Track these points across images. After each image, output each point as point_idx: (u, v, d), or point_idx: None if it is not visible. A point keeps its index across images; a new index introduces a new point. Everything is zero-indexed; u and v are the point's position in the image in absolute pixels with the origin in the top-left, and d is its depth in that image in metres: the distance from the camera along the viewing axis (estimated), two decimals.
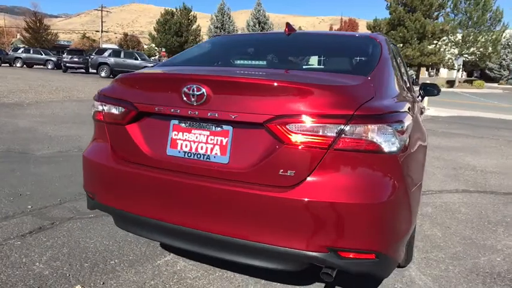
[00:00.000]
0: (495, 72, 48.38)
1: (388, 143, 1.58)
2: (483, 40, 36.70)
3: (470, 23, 37.46)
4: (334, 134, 1.56)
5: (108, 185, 2.01)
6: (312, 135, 1.58)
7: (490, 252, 2.73)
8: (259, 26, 52.23)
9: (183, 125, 1.82)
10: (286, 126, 1.59)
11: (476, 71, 51.25)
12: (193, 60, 2.65)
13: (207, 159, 1.76)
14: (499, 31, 36.63)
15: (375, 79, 1.89)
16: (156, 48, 52.98)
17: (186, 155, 1.80)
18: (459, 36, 37.99)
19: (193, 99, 1.72)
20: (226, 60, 2.71)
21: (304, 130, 1.58)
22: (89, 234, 2.69)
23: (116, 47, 52.69)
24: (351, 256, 1.60)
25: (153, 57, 46.50)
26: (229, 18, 50.41)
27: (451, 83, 39.67)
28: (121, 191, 1.95)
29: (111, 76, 22.70)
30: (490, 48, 36.86)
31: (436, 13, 37.64)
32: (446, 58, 37.89)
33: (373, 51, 2.32)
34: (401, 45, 36.52)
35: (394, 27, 37.37)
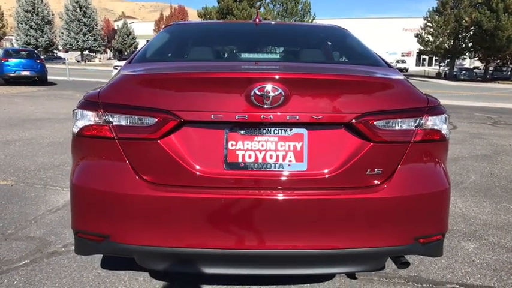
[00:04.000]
0: None
1: (447, 131, 1.71)
2: None
3: (286, 13, 42.44)
4: (414, 127, 1.59)
5: (137, 219, 1.53)
6: (397, 130, 1.57)
7: None
8: (80, 11, 46.63)
9: (242, 132, 1.53)
10: (374, 123, 1.53)
11: None
12: (182, 54, 2.21)
13: (281, 169, 1.54)
14: (307, 21, 42.78)
15: (394, 68, 1.99)
16: None
17: (251, 167, 1.53)
18: None
19: (267, 102, 1.46)
20: (226, 54, 2.36)
21: (390, 126, 1.56)
22: None
23: None
24: (428, 241, 1.69)
25: None
26: (41, 0, 43.17)
27: None
28: (159, 224, 1.52)
29: None
30: None
31: (258, 3, 41.31)
32: None
33: (357, 41, 2.41)
34: None
35: (224, 16, 39.23)
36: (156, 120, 1.49)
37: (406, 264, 1.72)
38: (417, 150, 1.62)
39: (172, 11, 50.51)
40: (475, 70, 40.21)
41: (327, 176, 1.54)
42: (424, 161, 1.65)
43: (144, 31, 59.99)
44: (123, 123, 1.52)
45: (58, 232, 2.69)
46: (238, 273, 1.59)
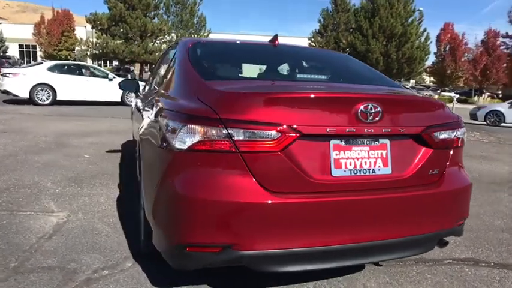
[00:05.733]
0: None
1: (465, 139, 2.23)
2: None
3: (181, 25, 42.30)
4: (453, 137, 2.06)
5: (265, 226, 1.67)
6: (446, 139, 2.03)
7: None
8: None
9: (343, 143, 1.80)
10: (434, 134, 1.96)
11: None
12: (253, 73, 2.36)
13: (373, 173, 1.84)
14: (203, 35, 43.34)
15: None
16: None
17: (351, 172, 1.81)
18: (175, 36, 42.27)
19: (370, 118, 1.76)
20: (283, 75, 2.55)
21: (442, 136, 2.01)
22: None
23: None
24: (460, 223, 2.17)
25: None
26: None
27: None
28: (285, 228, 1.69)
29: None
30: None
31: (152, 13, 40.30)
32: None
33: (366, 65, 2.87)
34: (123, 41, 37.24)
35: (116, 24, 37.28)
36: (280, 134, 1.66)
37: (446, 244, 2.17)
38: (454, 153, 2.10)
39: (55, 14, 45.70)
40: None
41: (405, 177, 1.90)
42: (457, 162, 2.15)
43: (16, 34, 52.73)
44: (246, 137, 1.64)
45: (75, 259, 2.48)
46: (347, 265, 1.83)
